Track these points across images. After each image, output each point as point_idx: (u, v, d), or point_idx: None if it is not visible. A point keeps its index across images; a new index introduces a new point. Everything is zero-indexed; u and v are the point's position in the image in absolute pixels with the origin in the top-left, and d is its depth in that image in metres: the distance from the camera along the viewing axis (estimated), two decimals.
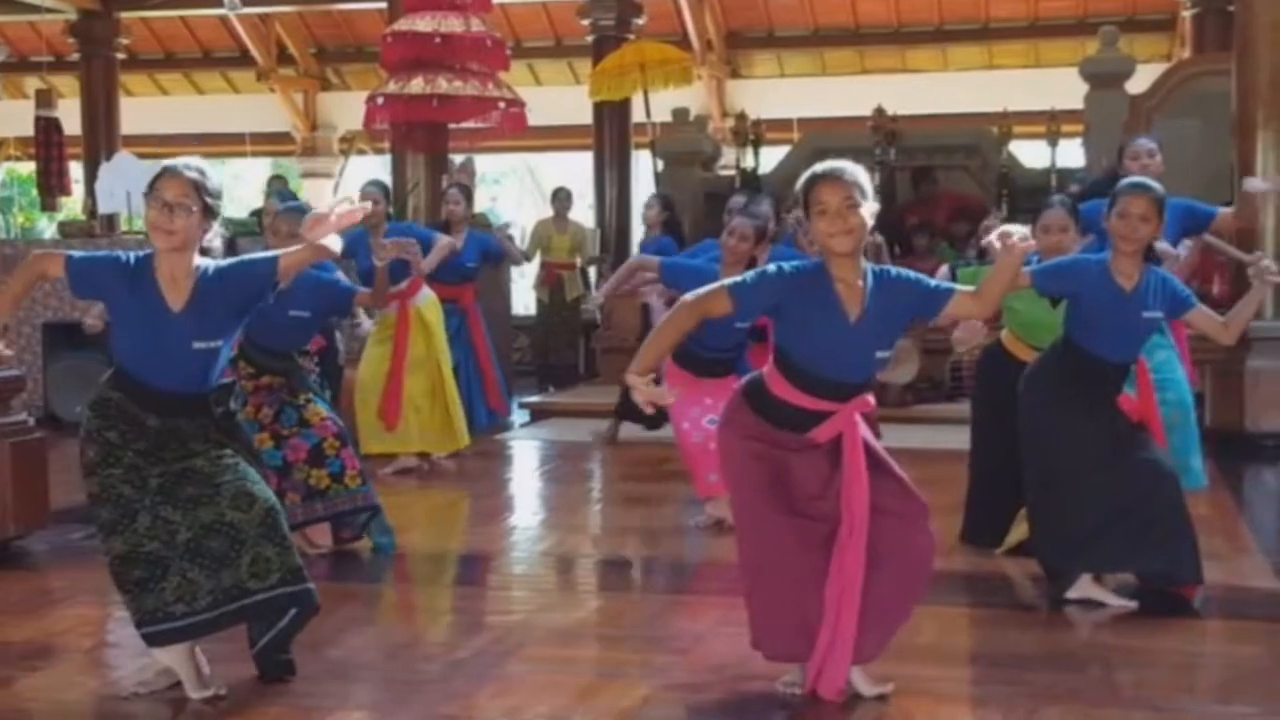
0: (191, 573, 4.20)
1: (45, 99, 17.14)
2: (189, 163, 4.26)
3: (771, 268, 4.07)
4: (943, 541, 5.94)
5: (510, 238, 11.84)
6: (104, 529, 4.27)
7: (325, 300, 6.27)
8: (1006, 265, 4.03)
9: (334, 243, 4.22)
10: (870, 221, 4.00)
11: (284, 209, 6.64)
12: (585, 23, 16.80)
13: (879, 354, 4.02)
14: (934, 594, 5.13)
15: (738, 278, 4.08)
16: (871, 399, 4.11)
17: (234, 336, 4.38)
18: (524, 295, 15.84)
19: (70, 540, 6.70)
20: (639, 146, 16.40)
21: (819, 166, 4.06)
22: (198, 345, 4.20)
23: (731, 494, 4.37)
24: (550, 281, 13.96)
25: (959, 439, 9.24)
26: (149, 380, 4.22)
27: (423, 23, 11.41)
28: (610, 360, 13.31)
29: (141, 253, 4.30)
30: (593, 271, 14.83)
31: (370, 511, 6.34)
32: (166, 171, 4.20)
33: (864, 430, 4.10)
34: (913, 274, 4.13)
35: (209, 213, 4.23)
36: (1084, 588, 5.29)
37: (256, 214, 12.32)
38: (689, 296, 4.03)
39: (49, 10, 17.89)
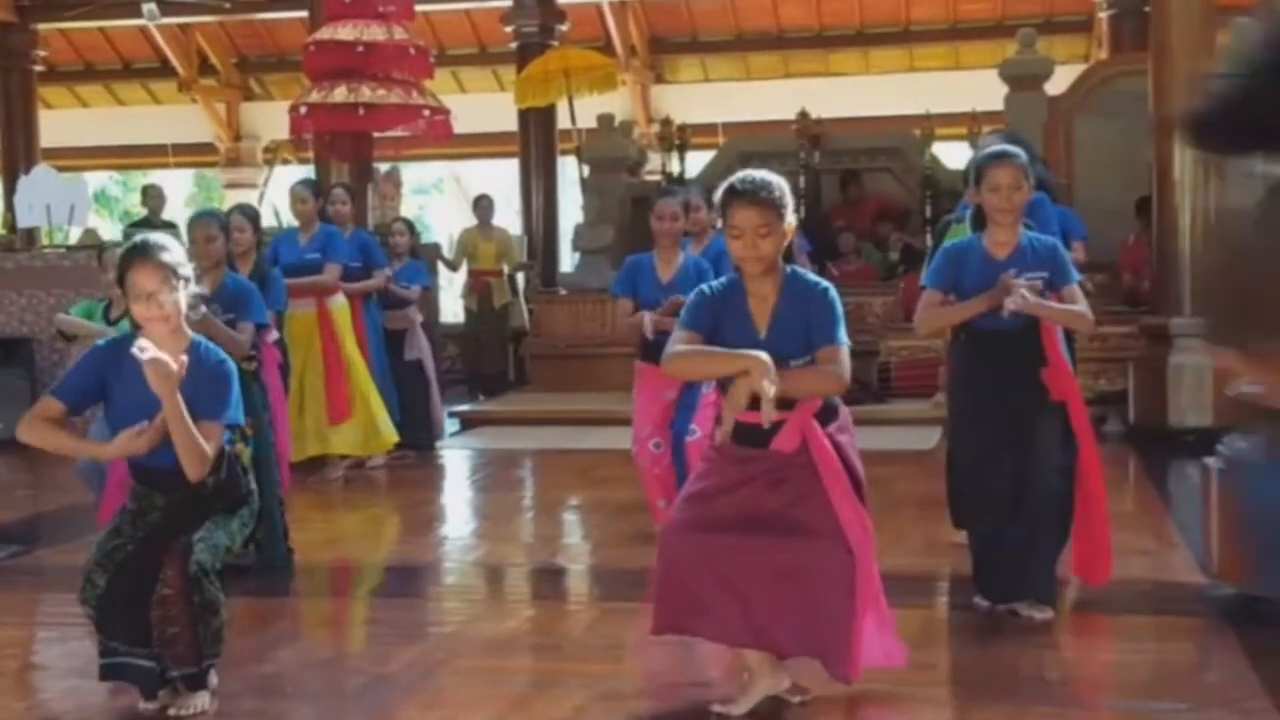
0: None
1: None
2: (147, 242, 4.22)
3: (699, 289, 4.17)
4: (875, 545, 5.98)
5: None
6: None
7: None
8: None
9: None
10: (789, 231, 4.03)
11: (197, 214, 6.64)
12: (509, 30, 16.77)
13: (793, 363, 3.97)
14: None
15: (685, 314, 4.13)
16: (818, 400, 4.09)
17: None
18: (452, 304, 15.78)
19: None
20: (564, 153, 16.40)
21: (738, 178, 4.07)
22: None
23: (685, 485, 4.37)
24: (478, 289, 13.91)
25: (889, 439, 9.34)
26: (149, 460, 4.22)
27: (345, 31, 11.37)
28: (540, 367, 13.30)
29: (118, 336, 4.32)
30: (520, 278, 14.79)
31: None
32: (135, 262, 4.16)
33: (839, 450, 4.11)
34: (829, 304, 4.06)
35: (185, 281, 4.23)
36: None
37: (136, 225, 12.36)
38: (668, 356, 4.09)
39: None
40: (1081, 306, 5.13)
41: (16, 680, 4.85)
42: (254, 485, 4.54)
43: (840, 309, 4.07)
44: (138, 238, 4.29)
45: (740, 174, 4.10)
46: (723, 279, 4.22)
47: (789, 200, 4.04)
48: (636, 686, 4.59)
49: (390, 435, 8.99)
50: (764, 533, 4.04)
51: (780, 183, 4.07)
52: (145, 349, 4.01)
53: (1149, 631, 5.21)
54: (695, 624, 4.15)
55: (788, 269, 4.11)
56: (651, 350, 6.66)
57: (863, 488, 4.15)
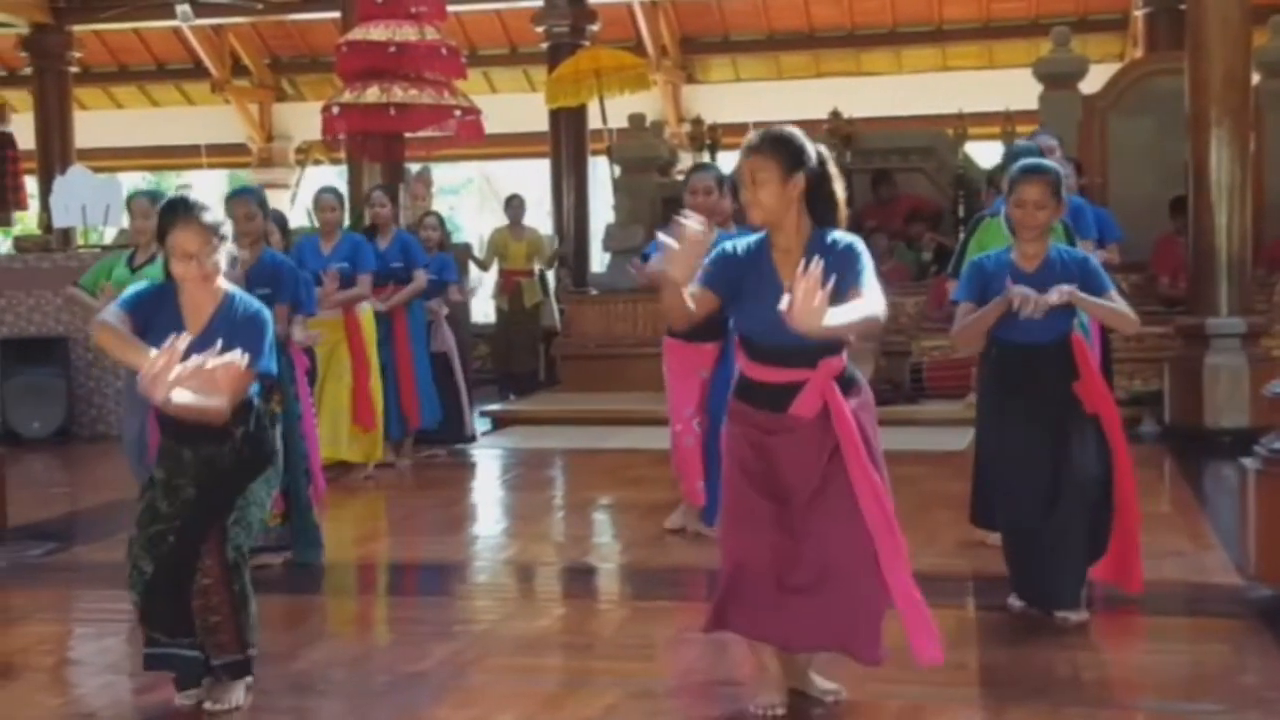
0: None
1: None
2: (188, 201, 4.29)
3: (722, 247, 4.12)
4: (907, 545, 5.96)
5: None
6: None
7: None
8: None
9: None
10: (794, 187, 3.97)
11: (235, 191, 6.73)
12: (540, 30, 16.77)
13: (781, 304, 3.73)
14: None
15: (702, 274, 4.04)
16: (842, 361, 4.04)
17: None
18: (483, 304, 15.80)
19: (29, 557, 6.64)
20: (596, 153, 16.40)
21: (752, 136, 4.07)
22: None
23: (723, 476, 4.29)
24: (509, 289, 13.94)
25: (921, 440, 9.32)
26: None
27: (377, 32, 11.38)
28: (571, 367, 13.30)
29: (160, 284, 4.35)
30: (551, 277, 14.81)
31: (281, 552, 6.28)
32: (178, 223, 4.22)
33: (858, 422, 4.03)
34: (855, 254, 3.97)
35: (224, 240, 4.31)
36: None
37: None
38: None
39: (1, 24, 17.78)
40: (1122, 305, 5.09)
41: (52, 676, 4.88)
42: (280, 444, 4.53)
43: (867, 258, 3.99)
44: (177, 194, 4.34)
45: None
46: (750, 237, 4.13)
47: (795, 157, 3.99)
48: (668, 685, 4.59)
49: (378, 449, 8.98)
50: (796, 523, 4.02)
51: (790, 139, 4.02)
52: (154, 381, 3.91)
53: (1184, 632, 5.18)
54: (746, 624, 4.12)
55: (815, 228, 4.03)
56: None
57: (881, 469, 4.08)
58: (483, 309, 15.82)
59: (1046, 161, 5.26)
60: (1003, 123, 13.74)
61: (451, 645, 5.05)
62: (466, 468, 9.76)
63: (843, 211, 4.10)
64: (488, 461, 10.04)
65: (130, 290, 4.39)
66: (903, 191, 14.02)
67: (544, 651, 5.06)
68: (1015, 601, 5.26)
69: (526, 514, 8.07)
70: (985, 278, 5.13)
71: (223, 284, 4.33)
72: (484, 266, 13.83)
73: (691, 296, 3.93)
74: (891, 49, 19.45)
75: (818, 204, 4.04)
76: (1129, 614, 5.31)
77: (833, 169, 4.11)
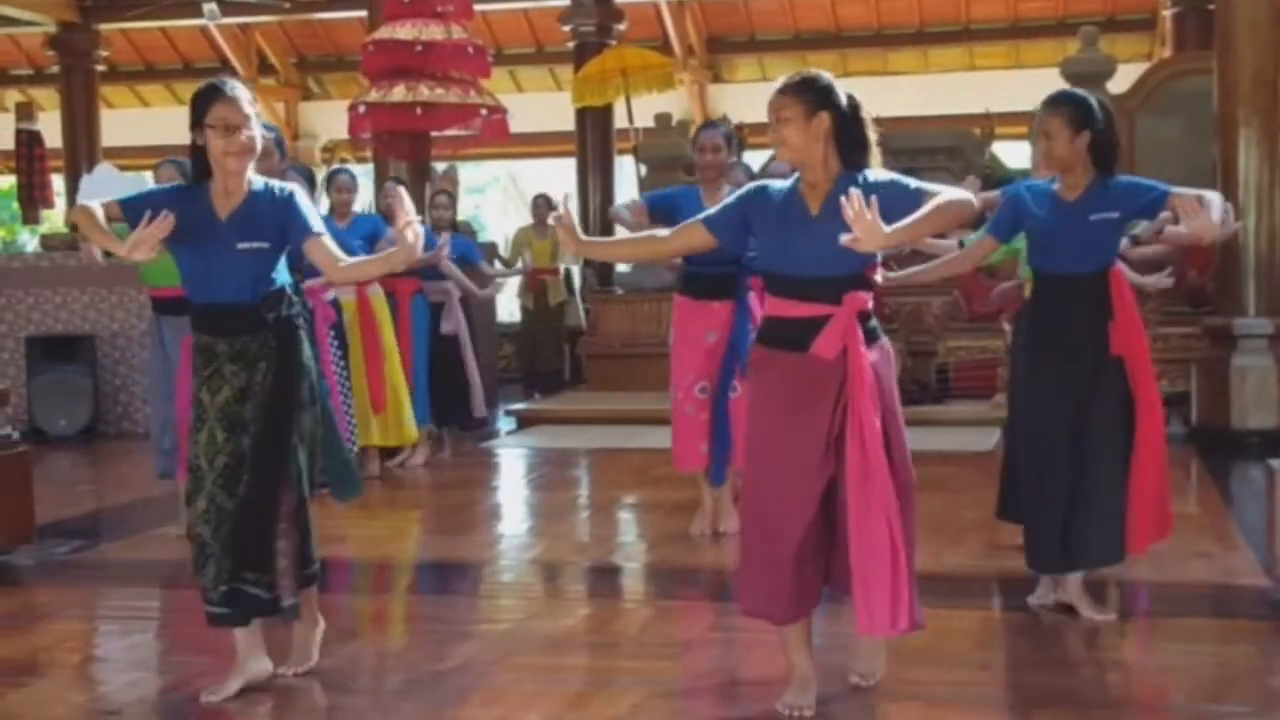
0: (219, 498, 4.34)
1: (25, 112, 17.11)
2: (224, 80, 4.44)
3: (749, 187, 4.28)
4: (933, 546, 5.95)
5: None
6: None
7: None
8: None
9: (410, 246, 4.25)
10: (819, 125, 4.03)
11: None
12: (566, 29, 16.77)
13: (844, 236, 3.79)
14: (925, 598, 5.13)
15: (711, 210, 4.32)
16: (866, 297, 4.05)
17: (283, 248, 4.45)
18: (508, 302, 15.82)
19: (56, 555, 6.67)
20: (622, 152, 16.38)
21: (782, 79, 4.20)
22: (241, 246, 4.33)
23: (747, 428, 4.34)
24: (534, 287, 13.96)
25: (947, 441, 9.29)
26: (207, 297, 4.39)
27: (404, 31, 11.41)
28: (596, 366, 13.30)
29: (194, 185, 4.48)
30: (576, 274, 14.82)
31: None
32: (220, 97, 4.34)
33: (876, 373, 4.04)
34: (899, 181, 4.07)
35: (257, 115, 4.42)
36: (1043, 594, 5.27)
37: None
38: (653, 235, 4.59)
39: (28, 23, 17.85)
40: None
41: (78, 673, 4.90)
42: (314, 371, 4.56)
43: (914, 180, 4.07)
44: (212, 80, 4.45)
45: None
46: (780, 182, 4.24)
47: (821, 96, 4.06)
48: (693, 684, 4.58)
49: (412, 430, 9.01)
50: (823, 471, 4.02)
51: (815, 79, 4.11)
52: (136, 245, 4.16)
53: (1211, 634, 5.15)
54: (779, 612, 4.12)
55: (844, 169, 4.08)
56: (691, 284, 6.65)
57: (898, 419, 4.10)
58: (508, 308, 15.84)
59: (1076, 91, 5.21)
60: (1029, 123, 13.65)
61: (476, 644, 5.05)
62: (490, 466, 9.77)
63: (875, 155, 4.14)
64: (512, 460, 10.05)
65: (150, 189, 4.57)
66: None
67: (569, 651, 5.06)
68: (1037, 600, 5.24)
69: (551, 513, 8.07)
70: (1019, 209, 5.12)
71: (253, 174, 4.42)
72: (509, 265, 13.83)
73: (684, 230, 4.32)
74: (918, 49, 19.41)
75: (848, 146, 4.09)
76: (1155, 615, 5.30)
77: (866, 114, 4.14)
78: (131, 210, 4.37)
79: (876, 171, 4.10)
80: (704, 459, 6.69)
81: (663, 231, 4.52)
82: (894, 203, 3.88)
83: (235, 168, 4.33)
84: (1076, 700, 4.26)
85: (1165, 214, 5.21)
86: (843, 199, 3.72)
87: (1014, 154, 15.20)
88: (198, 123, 4.35)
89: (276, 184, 4.45)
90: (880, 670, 4.36)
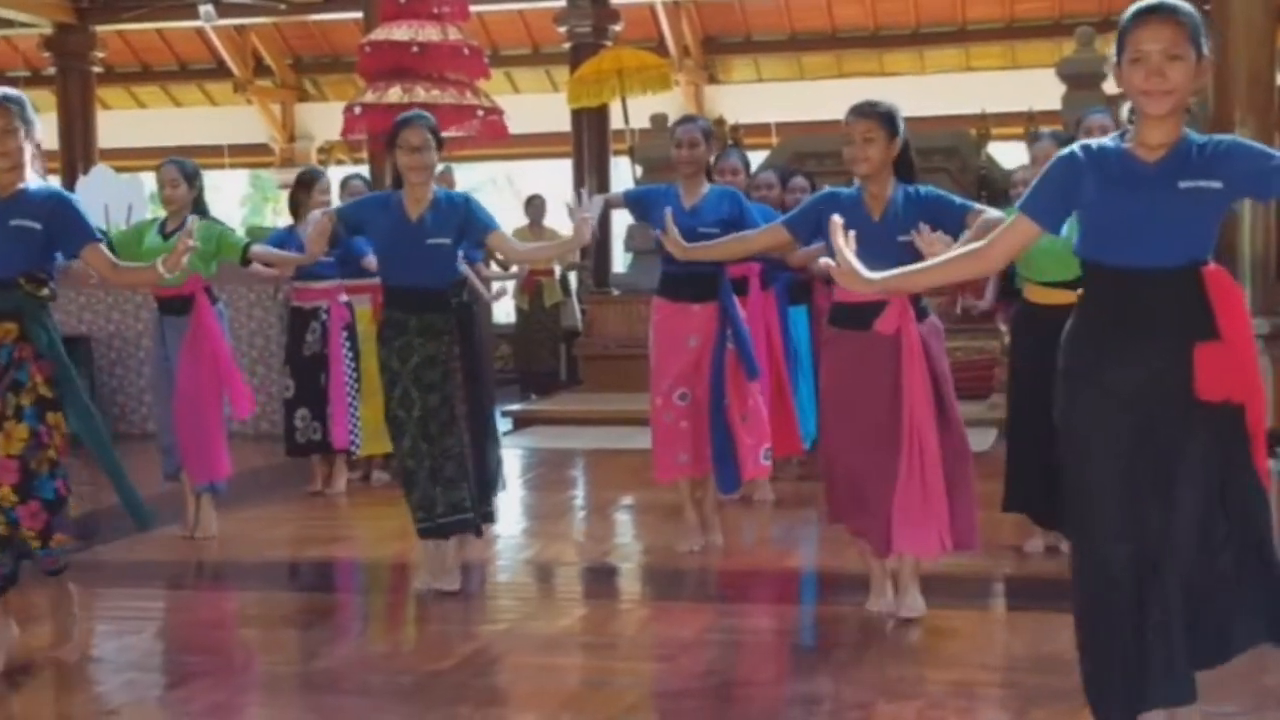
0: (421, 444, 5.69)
1: None
2: (419, 116, 5.70)
3: (819, 193, 5.52)
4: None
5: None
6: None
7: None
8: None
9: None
10: (893, 144, 5.14)
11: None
12: (562, 30, 16.77)
13: (899, 238, 4.81)
14: (925, 598, 5.14)
15: (791, 213, 5.46)
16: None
17: (460, 243, 5.78)
18: (504, 303, 15.80)
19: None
20: (618, 153, 16.38)
21: (862, 103, 5.24)
22: (430, 241, 5.59)
23: (822, 396, 5.36)
24: (529, 288, 13.94)
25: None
26: (402, 281, 5.67)
27: (400, 32, 11.43)
28: (592, 367, 13.30)
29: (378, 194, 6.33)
30: (573, 277, 14.81)
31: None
32: (408, 125, 5.60)
33: (925, 344, 4.99)
34: (939, 194, 5.18)
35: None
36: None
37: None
38: (742, 237, 5.69)
39: (24, 24, 17.85)
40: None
41: (75, 673, 4.89)
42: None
43: (952, 196, 5.21)
44: (406, 113, 5.77)
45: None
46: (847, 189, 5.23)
47: (895, 125, 5.14)
48: (689, 685, 4.58)
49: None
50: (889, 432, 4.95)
51: (894, 111, 5.19)
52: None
53: None
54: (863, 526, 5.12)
55: (898, 182, 5.12)
56: (670, 285, 6.49)
57: (947, 384, 5.13)
58: (503, 309, 15.83)
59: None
60: (1026, 123, 13.66)
61: (473, 644, 5.05)
62: None
63: (916, 173, 5.24)
64: (508, 461, 10.01)
65: (354, 201, 6.36)
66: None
67: (565, 651, 5.07)
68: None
69: (547, 514, 8.07)
70: (1076, 176, 3.40)
71: (433, 184, 5.70)
72: (505, 267, 13.80)
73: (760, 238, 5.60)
74: (914, 49, 19.41)
75: (902, 165, 5.18)
76: None
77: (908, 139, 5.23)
78: (348, 216, 5.85)
79: (923, 186, 5.16)
80: (683, 469, 6.47)
81: (750, 233, 5.73)
82: (941, 215, 4.91)
83: (418, 180, 5.60)
84: (1074, 700, 4.25)
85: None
86: (915, 235, 4.66)
87: (1010, 154, 15.21)
88: (393, 141, 5.62)
89: (451, 195, 5.73)
90: (920, 609, 5.09)
